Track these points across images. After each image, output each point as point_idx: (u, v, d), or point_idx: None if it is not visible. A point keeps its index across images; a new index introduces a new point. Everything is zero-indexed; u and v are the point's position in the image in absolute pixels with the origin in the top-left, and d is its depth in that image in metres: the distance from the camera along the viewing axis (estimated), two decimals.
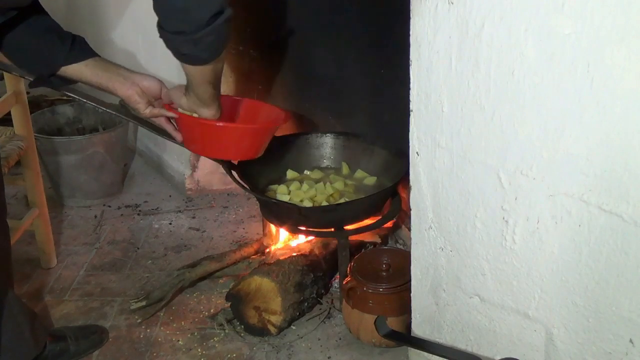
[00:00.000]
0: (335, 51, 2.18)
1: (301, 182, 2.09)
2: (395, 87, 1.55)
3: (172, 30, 1.32)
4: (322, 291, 1.97)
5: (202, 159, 2.56)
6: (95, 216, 2.55)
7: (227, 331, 1.89)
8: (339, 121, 2.29)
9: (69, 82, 1.57)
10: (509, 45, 1.14)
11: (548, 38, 1.07)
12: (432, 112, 1.35)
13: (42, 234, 2.16)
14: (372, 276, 1.80)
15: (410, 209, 1.50)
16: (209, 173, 2.63)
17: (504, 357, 1.33)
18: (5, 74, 1.89)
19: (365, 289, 1.77)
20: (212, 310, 1.98)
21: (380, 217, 1.96)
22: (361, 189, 2.07)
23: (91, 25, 3.03)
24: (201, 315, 1.97)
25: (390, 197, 1.99)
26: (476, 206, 1.32)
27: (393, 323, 1.63)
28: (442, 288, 1.48)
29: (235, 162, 1.97)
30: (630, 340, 1.13)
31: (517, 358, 1.31)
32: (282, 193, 2.03)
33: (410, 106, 1.40)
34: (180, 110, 1.63)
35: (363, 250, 2.03)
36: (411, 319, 1.62)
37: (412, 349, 1.68)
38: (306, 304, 1.91)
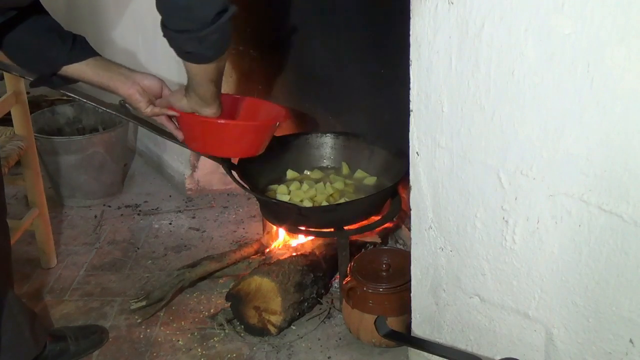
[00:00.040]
0: (336, 51, 2.18)
1: (301, 182, 2.09)
2: (395, 87, 1.55)
3: (176, 29, 1.32)
4: (322, 291, 1.97)
5: (202, 159, 2.56)
6: (95, 216, 2.55)
7: (227, 331, 1.89)
8: (339, 121, 2.29)
9: (69, 81, 1.57)
10: (509, 45, 1.14)
11: (548, 38, 1.07)
12: (432, 112, 1.34)
13: (42, 234, 2.16)
14: (372, 276, 1.80)
15: (410, 209, 1.50)
16: (209, 173, 2.63)
17: (504, 357, 1.33)
18: (5, 74, 1.89)
19: (365, 289, 1.77)
20: (212, 310, 1.98)
21: (380, 217, 1.96)
22: (361, 189, 2.07)
23: (91, 25, 3.03)
24: (201, 315, 1.97)
25: (390, 197, 1.99)
26: (476, 206, 1.32)
27: (393, 323, 1.63)
28: (442, 288, 1.48)
29: (235, 161, 1.97)
30: (630, 340, 1.13)
31: (517, 358, 1.31)
32: (282, 193, 2.03)
33: (410, 106, 1.40)
34: None
35: (363, 250, 2.02)
36: (411, 319, 1.62)
37: (412, 349, 1.68)
38: (306, 304, 1.91)
